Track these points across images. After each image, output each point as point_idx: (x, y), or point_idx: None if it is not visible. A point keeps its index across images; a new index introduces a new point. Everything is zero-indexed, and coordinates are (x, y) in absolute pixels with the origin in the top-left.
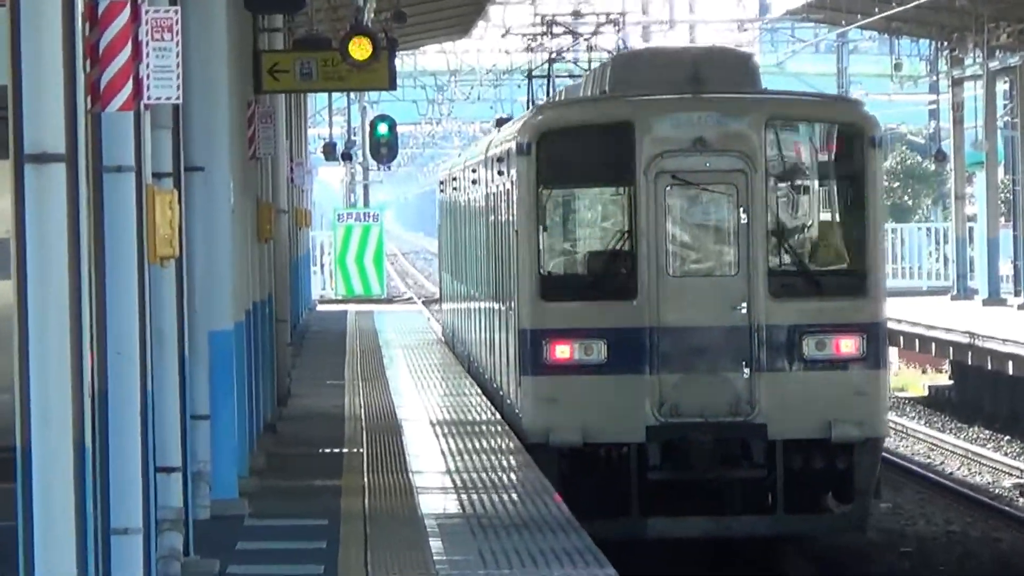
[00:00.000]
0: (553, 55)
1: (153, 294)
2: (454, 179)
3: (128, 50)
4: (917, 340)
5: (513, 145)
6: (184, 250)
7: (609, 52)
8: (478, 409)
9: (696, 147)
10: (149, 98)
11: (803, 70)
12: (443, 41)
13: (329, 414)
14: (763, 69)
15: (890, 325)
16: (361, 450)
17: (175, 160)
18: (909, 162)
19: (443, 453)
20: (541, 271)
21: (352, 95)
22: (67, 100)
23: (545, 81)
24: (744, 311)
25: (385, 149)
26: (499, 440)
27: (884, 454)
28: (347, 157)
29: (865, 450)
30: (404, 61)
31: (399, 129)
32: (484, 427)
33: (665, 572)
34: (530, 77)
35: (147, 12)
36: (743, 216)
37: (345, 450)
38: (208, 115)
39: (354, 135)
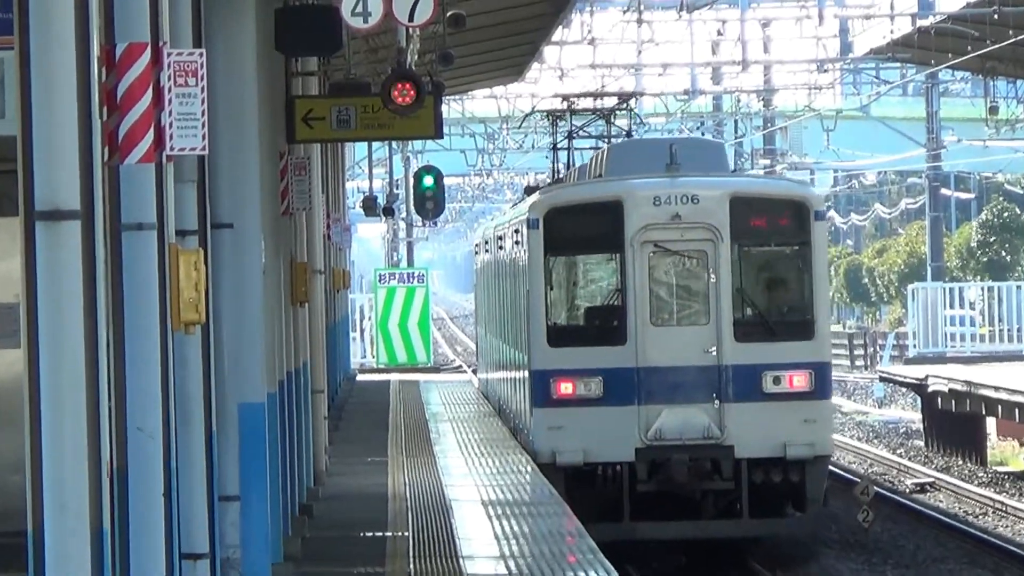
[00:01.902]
0: (574, 129)
1: (177, 363)
2: (486, 243)
3: (149, 97)
4: (1017, 410)
5: (525, 220)
6: (211, 315)
7: (622, 130)
8: (534, 488)
9: (674, 221)
10: (172, 149)
11: (889, 114)
12: (493, 85)
13: (370, 494)
14: (845, 113)
15: (986, 393)
16: (406, 534)
17: (201, 216)
18: (1007, 214)
19: (497, 537)
20: (549, 322)
21: (394, 144)
22: (82, 152)
23: (566, 153)
24: (714, 353)
25: (431, 203)
26: (558, 522)
27: (984, 534)
28: (389, 212)
29: (815, 466)
30: (451, 107)
31: (446, 181)
32: (541, 508)
33: (653, 566)
34: (555, 149)
35: (169, 55)
36: (712, 276)
37: (388, 534)
38: (237, 167)
39: (397, 188)
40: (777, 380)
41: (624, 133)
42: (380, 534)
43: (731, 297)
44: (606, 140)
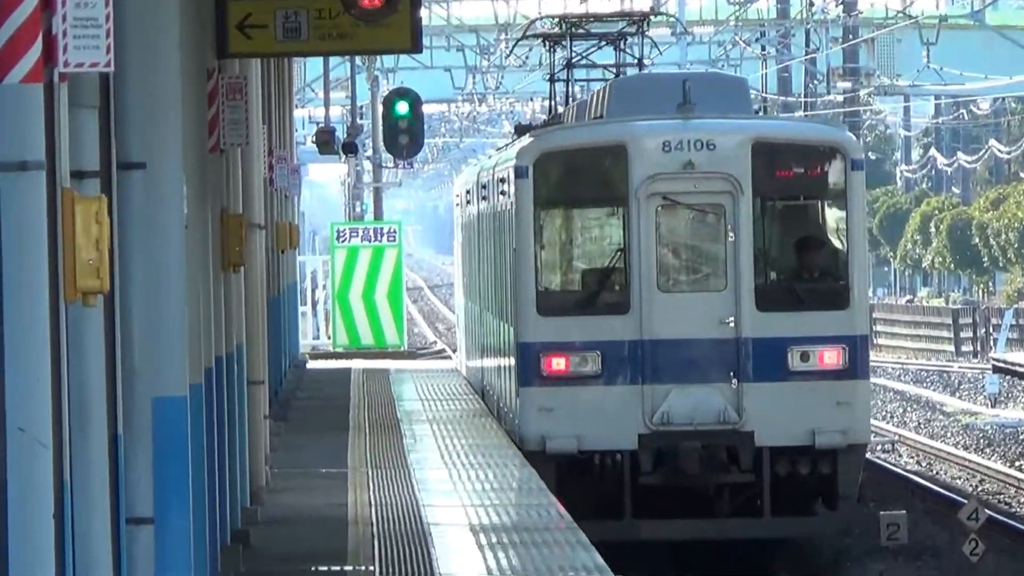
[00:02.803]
0: (574, 57)
1: (72, 345)
2: (468, 192)
3: None
4: None
5: (512, 167)
6: (116, 282)
7: (633, 56)
8: (540, 509)
9: (686, 170)
10: (67, 65)
11: (1010, 22)
12: None
13: (325, 516)
14: (950, 21)
15: None
16: (372, 568)
17: (104, 154)
18: None
19: (490, 573)
20: (539, 288)
21: (359, 61)
22: None
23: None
24: (731, 324)
25: (406, 138)
26: (569, 554)
27: None
28: (350, 149)
29: (848, 457)
30: (433, 11)
31: (426, 109)
32: (548, 536)
33: (657, 571)
34: (552, 80)
35: None
36: (730, 235)
37: (349, 568)
38: (150, 90)
39: (361, 118)
40: (805, 356)
41: (636, 62)
42: (338, 568)
43: (752, 259)
44: (613, 70)
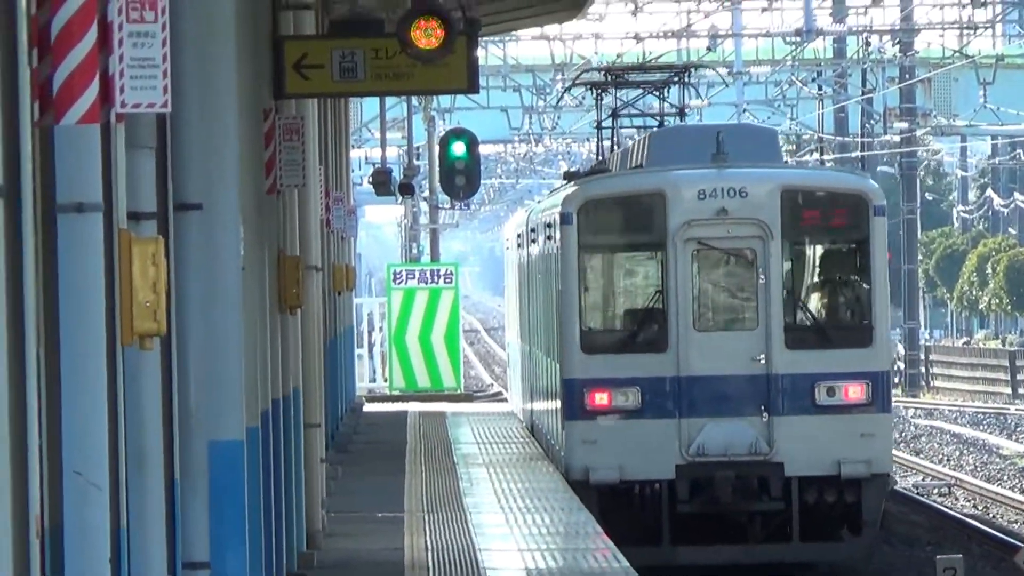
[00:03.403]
0: (620, 105)
1: (129, 388)
2: (518, 236)
3: (93, 36)
4: None
5: (558, 214)
6: (173, 325)
7: (673, 106)
8: (599, 556)
9: (719, 216)
10: (124, 105)
11: None
12: (545, 24)
13: (381, 561)
14: (1007, 61)
15: None
16: None
17: (161, 195)
18: None
19: None
20: (582, 327)
21: (415, 101)
22: (5, 109)
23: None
24: (762, 361)
25: (462, 179)
26: None
27: None
28: (407, 190)
29: (872, 485)
30: (490, 52)
31: (482, 149)
32: None
33: None
34: (599, 127)
35: None
36: (761, 277)
37: None
38: (208, 130)
39: (417, 159)
40: (831, 391)
41: (678, 111)
42: None
43: (782, 300)
44: (658, 119)
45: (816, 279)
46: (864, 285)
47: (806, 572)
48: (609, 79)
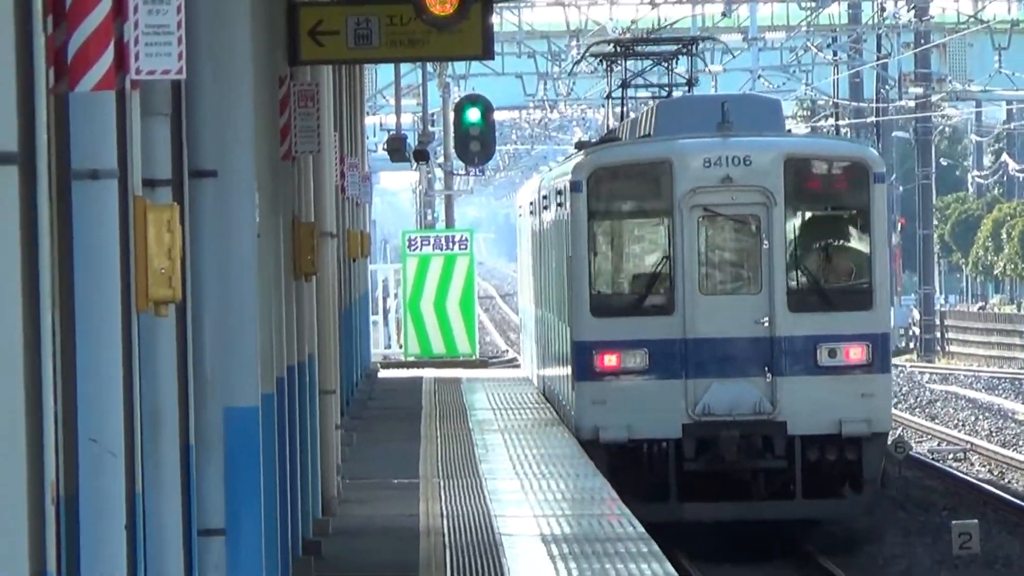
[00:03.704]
0: (629, 76)
1: (144, 355)
2: (531, 203)
3: (108, 2)
4: None
5: (568, 182)
6: (188, 291)
7: (682, 76)
8: (614, 521)
9: (724, 183)
10: (138, 72)
11: None
12: None
13: (397, 527)
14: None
15: None
16: None
17: (176, 162)
18: None
19: None
20: (592, 291)
21: (430, 68)
22: (20, 76)
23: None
24: (766, 324)
25: (477, 145)
26: (641, 563)
27: None
28: (422, 157)
29: (872, 444)
30: (504, 18)
31: (497, 116)
32: (621, 546)
33: (700, 547)
34: (609, 98)
35: None
36: (765, 243)
37: None
38: (223, 97)
39: (432, 125)
40: (833, 353)
41: (686, 82)
42: None
43: (785, 265)
44: (666, 89)
45: (818, 244)
46: (864, 250)
47: (809, 528)
48: (619, 50)
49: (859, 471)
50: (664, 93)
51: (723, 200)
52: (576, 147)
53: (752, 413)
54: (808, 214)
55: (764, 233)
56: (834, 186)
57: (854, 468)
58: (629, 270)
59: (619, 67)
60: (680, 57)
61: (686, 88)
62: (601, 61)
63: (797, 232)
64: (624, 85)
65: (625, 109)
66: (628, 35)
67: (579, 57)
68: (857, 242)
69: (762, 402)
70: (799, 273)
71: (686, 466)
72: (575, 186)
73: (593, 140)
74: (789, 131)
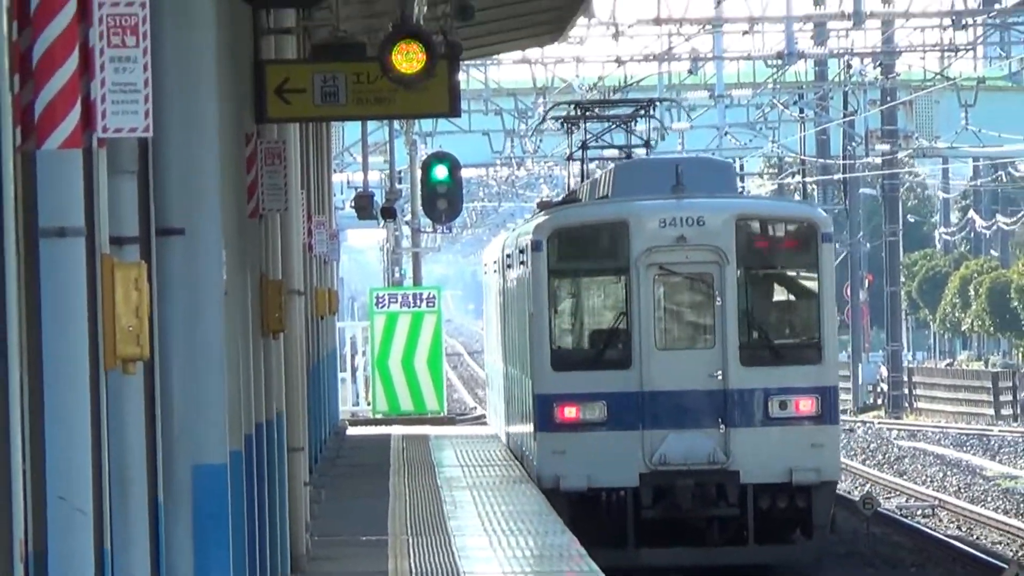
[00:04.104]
0: (589, 138)
1: (112, 412)
2: (494, 263)
3: (74, 60)
4: None
5: (530, 241)
6: (157, 349)
7: (640, 137)
8: None
9: (679, 243)
10: (105, 130)
11: None
12: (527, 47)
13: None
14: (989, 83)
15: None
16: None
17: (143, 220)
18: None
19: None
20: (552, 346)
21: (396, 125)
22: None
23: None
24: (720, 377)
25: (444, 202)
26: None
27: None
28: (389, 214)
29: (821, 491)
30: (471, 76)
31: (464, 173)
32: None
33: None
34: (570, 159)
35: (102, 5)
36: (718, 299)
37: None
38: (190, 155)
39: (399, 183)
40: (784, 405)
41: (644, 143)
42: None
43: (737, 320)
44: (625, 151)
45: (769, 301)
46: (813, 307)
47: (761, 572)
48: (578, 113)
49: (809, 518)
50: (624, 154)
51: (678, 259)
52: (538, 207)
53: (707, 463)
54: (759, 272)
55: (717, 290)
56: (784, 245)
57: (804, 515)
58: (588, 326)
59: (579, 129)
60: (638, 119)
61: (644, 149)
62: (562, 124)
63: (749, 289)
64: (584, 147)
65: (586, 169)
66: (595, 92)
67: (540, 120)
68: (806, 299)
69: (716, 452)
70: (751, 328)
71: (644, 513)
72: (536, 245)
73: (555, 200)
74: (741, 192)
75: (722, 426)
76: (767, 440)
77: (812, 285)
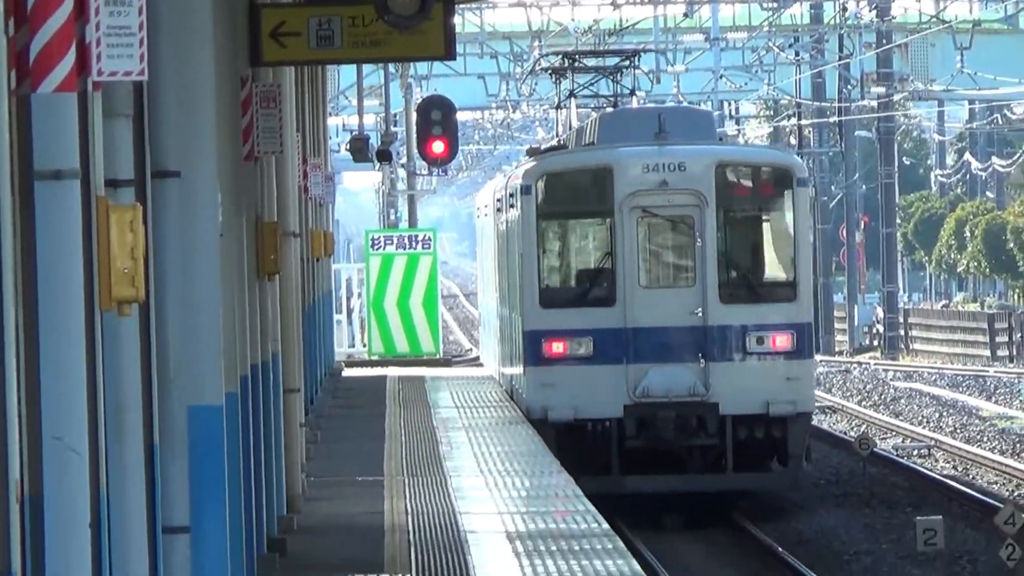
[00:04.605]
0: (576, 87)
1: (107, 354)
2: (486, 207)
3: (69, 4)
4: None
5: (519, 185)
6: (152, 291)
7: (624, 87)
8: (578, 517)
9: (661, 187)
10: (100, 73)
11: None
12: None
13: (361, 524)
14: (984, 26)
15: None
16: None
17: (138, 162)
18: None
19: None
20: (541, 285)
21: (392, 68)
22: None
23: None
24: (700, 314)
25: (439, 145)
26: (606, 559)
27: None
28: (385, 157)
29: (797, 423)
30: (466, 19)
31: (460, 116)
32: (586, 542)
33: (640, 517)
34: (559, 108)
35: None
36: (699, 240)
37: None
38: (185, 98)
39: (395, 125)
40: (761, 340)
41: (628, 92)
42: None
43: (716, 260)
44: (611, 100)
45: (747, 242)
46: (788, 247)
47: (738, 498)
48: (566, 63)
49: (784, 447)
50: (610, 104)
51: (660, 202)
52: (527, 153)
53: (687, 395)
54: (737, 215)
55: (697, 232)
56: (760, 189)
57: (780, 445)
58: (575, 266)
59: (567, 79)
60: (623, 69)
61: (629, 98)
62: (550, 75)
63: (727, 231)
64: (572, 95)
65: (570, 118)
66: (590, 35)
67: (528, 70)
68: (782, 240)
69: (696, 385)
70: (729, 268)
71: (627, 443)
72: (525, 189)
73: (544, 147)
74: (720, 139)
75: (702, 360)
76: (745, 373)
77: (787, 227)
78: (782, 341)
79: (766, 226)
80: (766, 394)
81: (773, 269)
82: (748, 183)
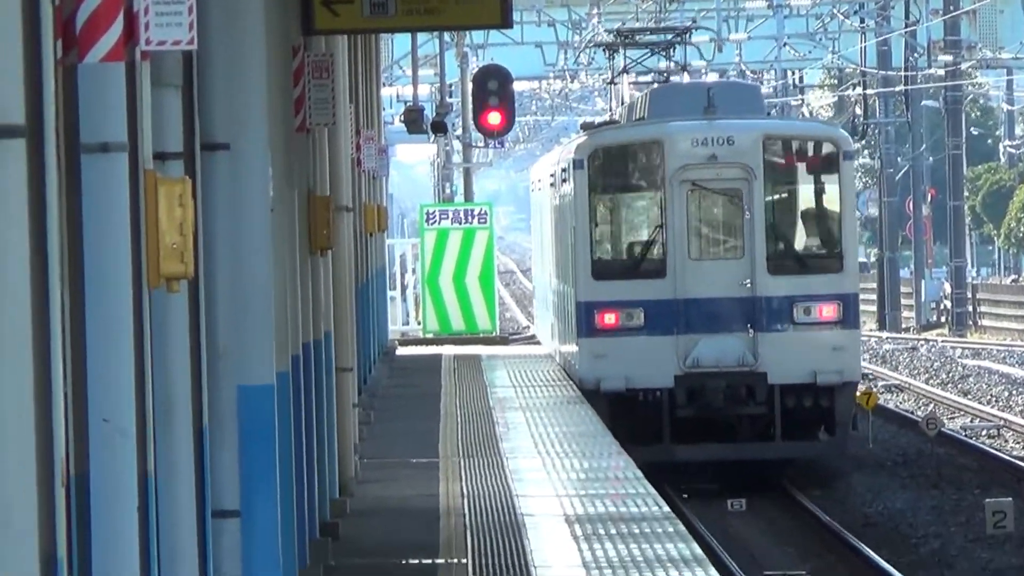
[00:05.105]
0: (629, 63)
1: (156, 332)
2: (540, 181)
3: None
4: None
5: (572, 160)
6: (201, 267)
7: (677, 63)
8: (639, 499)
9: (710, 161)
10: (148, 43)
11: None
12: None
13: (416, 508)
14: None
15: None
16: (464, 561)
17: (187, 134)
18: None
19: (586, 566)
20: (594, 257)
21: (447, 37)
22: (27, 48)
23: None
24: (748, 285)
25: (496, 117)
26: (667, 542)
27: None
28: (440, 128)
29: (843, 392)
30: None
31: (517, 86)
32: (646, 525)
33: (690, 484)
34: (612, 84)
35: None
36: (747, 213)
37: (440, 561)
38: (235, 68)
39: (450, 96)
40: (808, 311)
41: (680, 67)
42: (430, 561)
43: (764, 232)
44: (664, 76)
45: (794, 214)
46: (835, 220)
47: (786, 466)
48: (618, 40)
49: (832, 416)
50: (662, 79)
51: (709, 175)
52: (581, 128)
53: (737, 365)
54: (785, 187)
55: (746, 204)
56: (808, 163)
57: (827, 413)
58: (627, 238)
59: (620, 55)
60: (675, 45)
61: (681, 73)
62: (603, 51)
63: (775, 203)
64: (625, 71)
65: (626, 92)
66: (650, 1)
67: (581, 48)
68: (828, 213)
69: (745, 355)
70: (777, 240)
71: (678, 412)
72: (577, 164)
73: (597, 122)
74: (768, 114)
75: (751, 331)
76: (792, 343)
77: (834, 200)
78: (829, 311)
79: (813, 198)
80: (813, 364)
81: (820, 241)
82: (795, 156)
